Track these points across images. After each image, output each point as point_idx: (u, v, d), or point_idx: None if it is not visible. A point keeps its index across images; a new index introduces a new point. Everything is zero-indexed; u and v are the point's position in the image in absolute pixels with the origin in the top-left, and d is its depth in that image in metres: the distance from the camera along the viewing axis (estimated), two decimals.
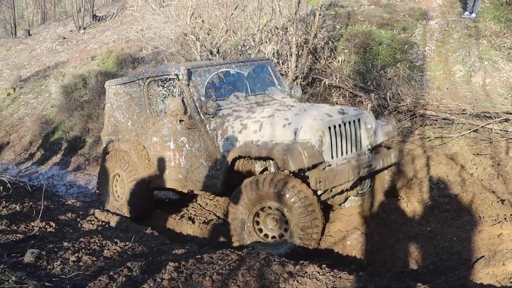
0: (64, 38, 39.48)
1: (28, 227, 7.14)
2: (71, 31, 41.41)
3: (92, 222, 8.04)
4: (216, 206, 10.29)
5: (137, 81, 9.71)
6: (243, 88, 9.30)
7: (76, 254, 5.85)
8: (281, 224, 7.51)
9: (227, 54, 14.31)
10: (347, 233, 7.94)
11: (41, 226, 7.27)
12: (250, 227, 7.62)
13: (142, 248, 6.53)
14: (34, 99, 25.80)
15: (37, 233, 6.75)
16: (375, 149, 8.46)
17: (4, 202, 8.35)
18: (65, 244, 6.26)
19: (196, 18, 13.86)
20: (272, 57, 12.86)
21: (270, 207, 7.50)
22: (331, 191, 7.83)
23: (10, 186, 9.23)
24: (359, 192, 8.83)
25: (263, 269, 5.51)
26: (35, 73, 31.08)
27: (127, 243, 6.64)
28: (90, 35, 37.62)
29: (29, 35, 47.29)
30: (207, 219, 9.60)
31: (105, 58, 26.33)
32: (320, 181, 7.20)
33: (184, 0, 14.82)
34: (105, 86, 10.69)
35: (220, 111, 8.50)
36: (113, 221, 8.43)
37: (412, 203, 8.35)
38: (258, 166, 8.18)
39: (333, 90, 12.80)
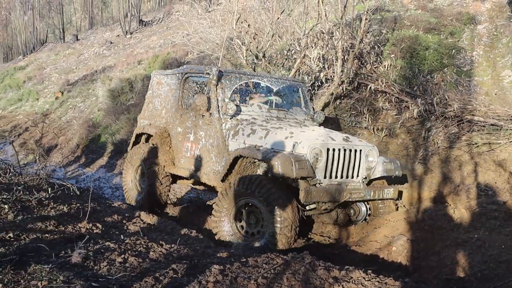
0: (111, 42, 39.99)
1: (75, 228, 7.21)
2: (118, 36, 41.95)
3: (138, 224, 8.09)
4: None
5: (177, 74, 10.46)
6: (268, 101, 10.02)
7: (122, 255, 5.88)
8: (259, 221, 8.01)
9: (272, 58, 14.32)
10: (392, 239, 7.87)
11: (88, 227, 7.34)
12: (232, 222, 8.24)
13: (187, 250, 6.54)
14: (82, 103, 26.17)
15: (84, 234, 6.81)
16: (374, 181, 8.89)
17: (52, 203, 8.44)
18: (112, 245, 6.31)
19: (242, 22, 13.92)
20: (318, 62, 12.81)
21: (251, 204, 8.04)
22: (315, 206, 8.25)
23: (58, 188, 9.37)
24: (354, 220, 9.31)
25: (308, 273, 5.48)
26: (82, 77, 31.52)
27: (173, 245, 6.67)
28: (137, 39, 38.03)
29: (77, 40, 48.09)
30: None
31: (151, 62, 26.58)
32: (305, 193, 7.62)
33: (230, 5, 14.88)
34: (151, 74, 11.62)
35: (239, 115, 9.20)
36: (159, 223, 8.47)
37: (459, 210, 8.23)
38: (260, 170, 8.60)
39: (379, 95, 12.69)
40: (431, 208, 8.53)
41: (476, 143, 10.27)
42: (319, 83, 13.35)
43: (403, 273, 7.04)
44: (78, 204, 8.61)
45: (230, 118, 9.09)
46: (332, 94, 12.68)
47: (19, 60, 50.78)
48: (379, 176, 8.75)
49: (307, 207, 8.19)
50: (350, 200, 8.26)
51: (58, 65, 39.26)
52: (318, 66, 12.80)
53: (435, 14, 16.01)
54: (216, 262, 5.85)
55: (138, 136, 11.56)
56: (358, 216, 9.30)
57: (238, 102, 9.49)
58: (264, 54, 13.55)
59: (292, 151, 7.96)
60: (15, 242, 6.12)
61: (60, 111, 26.62)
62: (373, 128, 11.87)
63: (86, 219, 7.60)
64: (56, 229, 7.03)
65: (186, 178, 10.35)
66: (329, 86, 12.89)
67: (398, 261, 7.47)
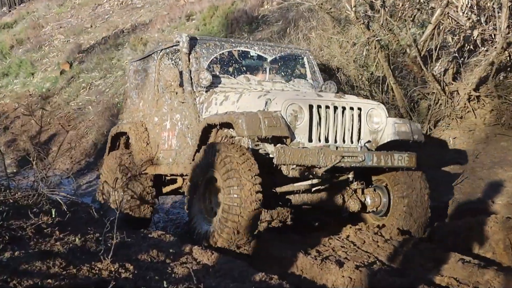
0: None
1: (93, 271, 7.25)
2: None
3: (189, 265, 8.07)
4: (378, 246, 10.16)
5: (153, 55, 12.43)
6: (259, 73, 11.74)
7: None
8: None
9: (396, 9, 14.16)
10: None
11: (113, 269, 7.37)
12: (201, 203, 9.94)
13: None
14: (101, 80, 26.50)
15: (107, 279, 6.85)
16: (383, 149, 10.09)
17: (57, 233, 8.47)
18: None
19: None
20: (469, 13, 12.60)
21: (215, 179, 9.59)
22: (295, 168, 9.45)
23: (66, 209, 9.43)
24: (374, 211, 10.70)
25: None
26: (101, 40, 31.92)
27: None
28: None
29: None
30: (363, 264, 9.48)
31: (207, 18, 26.72)
32: (277, 153, 9.00)
33: None
34: (128, 64, 14.12)
35: (218, 87, 10.87)
36: (220, 263, 8.47)
37: None
38: (244, 144, 9.92)
39: None
40: None
41: None
42: (471, 47, 13.16)
43: None
44: (97, 234, 8.66)
45: (206, 91, 10.74)
46: (492, 63, 12.47)
47: (3, 14, 51.91)
48: (389, 140, 10.07)
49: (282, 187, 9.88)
50: (343, 165, 9.41)
51: (63, 22, 39.95)
52: (469, 19, 12.61)
53: None
54: None
55: (115, 140, 13.59)
56: (375, 205, 10.54)
57: (218, 73, 11.16)
58: (383, 3, 13.42)
59: (264, 109, 9.37)
60: None
61: (68, 92, 27.01)
62: None
63: (109, 257, 7.59)
64: (64, 272, 7.08)
65: (169, 178, 12.22)
66: (487, 51, 12.69)
67: None
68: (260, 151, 9.70)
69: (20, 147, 22.16)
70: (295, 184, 9.82)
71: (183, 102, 10.94)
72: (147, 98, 12.39)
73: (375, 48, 13.51)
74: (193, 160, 10.27)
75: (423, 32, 13.39)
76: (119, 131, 13.08)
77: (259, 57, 11.57)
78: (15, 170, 18.59)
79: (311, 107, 9.38)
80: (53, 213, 9.04)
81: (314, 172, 9.57)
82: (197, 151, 10.19)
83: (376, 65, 14.33)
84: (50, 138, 22.80)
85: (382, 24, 13.50)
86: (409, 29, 13.65)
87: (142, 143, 12.05)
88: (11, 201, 9.67)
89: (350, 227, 10.52)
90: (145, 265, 7.84)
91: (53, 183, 12.48)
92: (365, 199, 10.42)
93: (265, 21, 23.04)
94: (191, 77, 10.78)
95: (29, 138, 22.67)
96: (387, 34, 13.44)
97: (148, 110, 12.22)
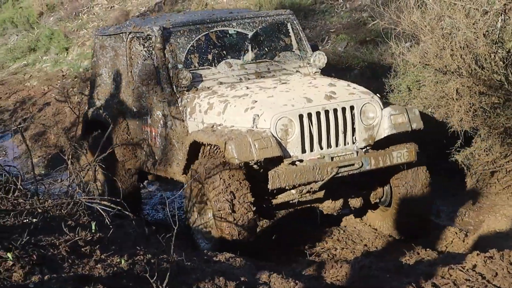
0: None
1: None
2: None
3: None
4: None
5: (121, 35, 13.81)
6: (241, 53, 13.20)
7: None
8: None
9: None
10: None
11: None
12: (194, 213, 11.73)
13: None
14: None
15: None
16: (383, 144, 11.65)
17: (98, 252, 8.31)
18: None
19: None
20: None
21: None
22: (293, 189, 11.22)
23: (109, 222, 9.25)
24: (377, 202, 12.52)
25: None
26: (154, 6, 32.03)
27: None
28: None
29: None
30: None
31: None
32: (271, 178, 10.65)
33: None
34: (94, 36, 15.80)
35: (201, 83, 12.35)
36: None
37: None
38: None
39: None
40: None
41: None
42: None
43: None
44: (149, 255, 8.52)
45: (187, 90, 12.17)
46: None
47: None
48: (386, 135, 11.45)
49: (279, 197, 11.47)
50: (340, 175, 11.03)
51: None
52: None
53: None
54: None
55: (89, 126, 14.98)
56: (378, 196, 12.33)
57: (196, 65, 12.52)
58: None
59: (253, 127, 10.86)
60: None
61: None
62: None
63: (164, 284, 7.47)
64: None
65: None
66: None
67: None
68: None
69: (51, 142, 22.24)
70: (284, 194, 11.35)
71: (163, 101, 12.36)
72: (120, 82, 13.72)
73: None
74: (184, 171, 11.94)
75: None
76: (95, 118, 14.59)
77: (238, 34, 13.02)
78: (44, 172, 18.64)
79: (301, 117, 10.85)
80: (93, 227, 8.83)
81: (311, 187, 11.01)
82: (187, 164, 11.77)
83: None
84: None
85: None
86: None
87: (123, 134, 13.65)
88: (40, 211, 9.46)
89: (478, 255, 10.13)
90: None
91: (93, 188, 12.47)
92: (371, 194, 12.17)
93: None
94: (169, 75, 12.12)
95: (63, 131, 22.63)
96: None
97: (124, 96, 13.65)
